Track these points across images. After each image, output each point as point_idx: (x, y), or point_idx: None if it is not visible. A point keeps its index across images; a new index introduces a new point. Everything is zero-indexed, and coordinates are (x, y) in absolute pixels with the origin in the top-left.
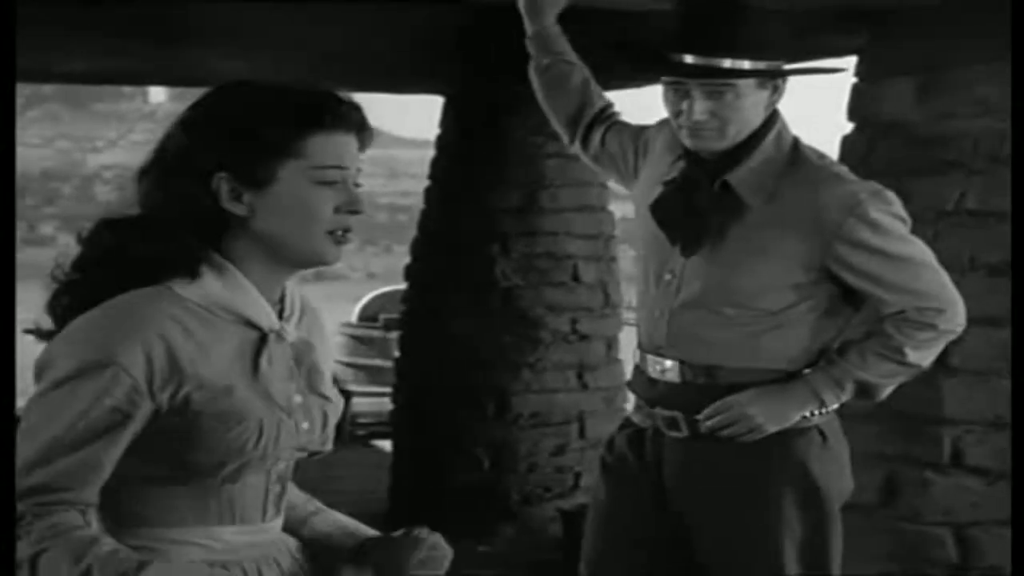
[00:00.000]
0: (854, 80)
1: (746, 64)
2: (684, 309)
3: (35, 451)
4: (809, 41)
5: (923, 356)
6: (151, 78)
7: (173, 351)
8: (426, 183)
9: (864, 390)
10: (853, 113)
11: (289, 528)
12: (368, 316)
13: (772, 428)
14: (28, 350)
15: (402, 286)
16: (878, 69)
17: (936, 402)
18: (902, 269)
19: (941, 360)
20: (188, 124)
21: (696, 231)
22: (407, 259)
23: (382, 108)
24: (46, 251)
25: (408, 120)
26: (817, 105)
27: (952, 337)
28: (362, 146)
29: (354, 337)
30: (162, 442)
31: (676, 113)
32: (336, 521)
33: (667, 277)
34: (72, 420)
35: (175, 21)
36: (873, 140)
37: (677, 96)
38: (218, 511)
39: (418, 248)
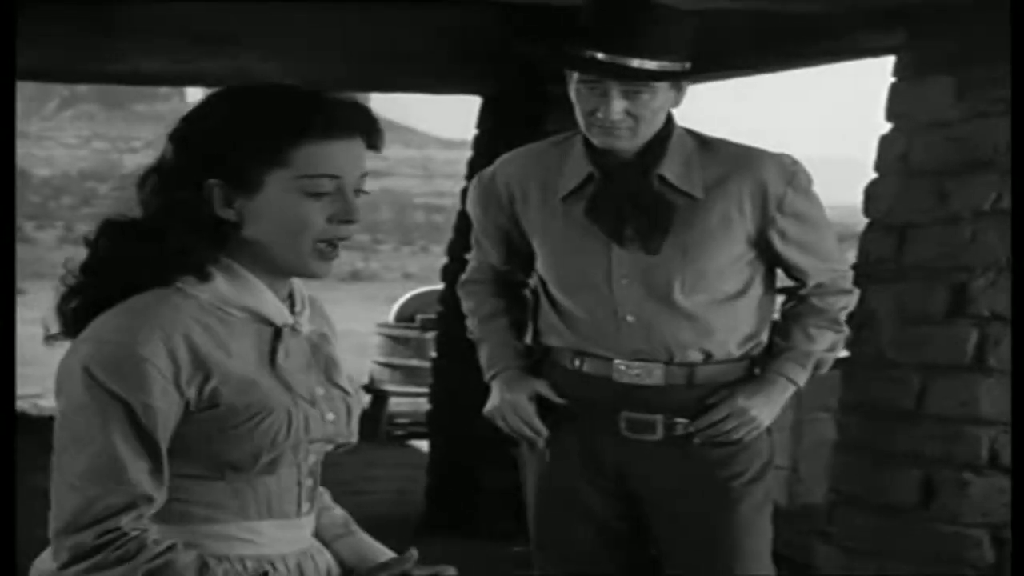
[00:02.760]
0: (892, 79)
1: (653, 64)
2: (659, 307)
3: (100, 463)
4: (846, 41)
5: (844, 322)
6: (186, 79)
7: (194, 346)
8: (463, 183)
9: (815, 367)
10: (891, 112)
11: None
12: (405, 316)
13: (767, 424)
14: (64, 348)
15: (439, 286)
16: (916, 68)
17: (973, 403)
18: (824, 236)
19: (978, 360)
20: (180, 132)
21: (653, 228)
22: (443, 259)
23: (419, 108)
24: (83, 251)
25: (445, 120)
26: (854, 104)
27: (856, 296)
28: (373, 147)
29: (391, 337)
30: (197, 440)
31: (591, 111)
32: (358, 547)
33: (623, 281)
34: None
35: (212, 22)
36: (911, 139)
37: (593, 95)
38: (256, 506)
39: (455, 248)
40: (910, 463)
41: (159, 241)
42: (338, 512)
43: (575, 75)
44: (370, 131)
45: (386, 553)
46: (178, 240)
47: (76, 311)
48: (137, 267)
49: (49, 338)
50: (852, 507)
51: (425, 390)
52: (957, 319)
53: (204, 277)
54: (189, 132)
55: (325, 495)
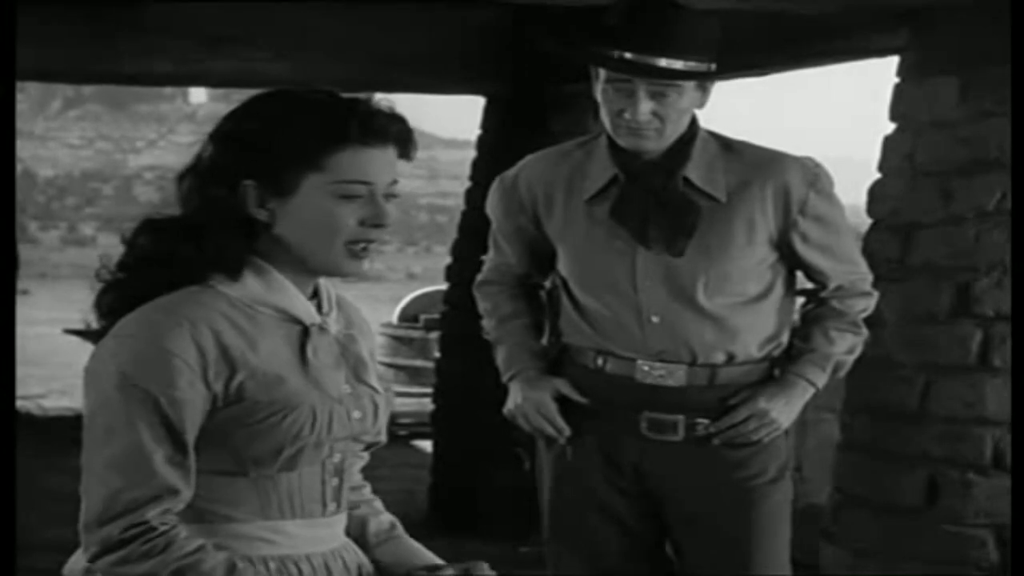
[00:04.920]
0: (896, 79)
1: (681, 64)
2: (683, 308)
3: (126, 456)
4: (850, 41)
5: (864, 325)
6: (194, 80)
7: (222, 341)
8: (467, 184)
9: (834, 370)
10: (895, 113)
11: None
12: (409, 317)
13: (786, 426)
14: (69, 348)
15: (443, 287)
16: (920, 68)
17: (978, 403)
18: (844, 238)
19: (983, 360)
20: (221, 132)
21: (679, 230)
22: (447, 260)
23: (423, 108)
24: (87, 251)
25: (449, 121)
26: (859, 105)
27: (875, 299)
28: (405, 156)
29: (395, 337)
30: (221, 434)
31: (618, 111)
32: (396, 549)
33: (647, 283)
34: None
35: (217, 23)
36: (915, 140)
37: (620, 95)
38: (279, 504)
39: (459, 249)
40: (915, 463)
41: (196, 239)
42: (385, 517)
43: (602, 76)
44: (404, 140)
45: (427, 557)
46: (214, 239)
47: (113, 306)
48: (174, 264)
49: (83, 335)
50: (856, 507)
51: (429, 390)
52: (962, 319)
53: (235, 275)
54: (229, 132)
55: (376, 502)
